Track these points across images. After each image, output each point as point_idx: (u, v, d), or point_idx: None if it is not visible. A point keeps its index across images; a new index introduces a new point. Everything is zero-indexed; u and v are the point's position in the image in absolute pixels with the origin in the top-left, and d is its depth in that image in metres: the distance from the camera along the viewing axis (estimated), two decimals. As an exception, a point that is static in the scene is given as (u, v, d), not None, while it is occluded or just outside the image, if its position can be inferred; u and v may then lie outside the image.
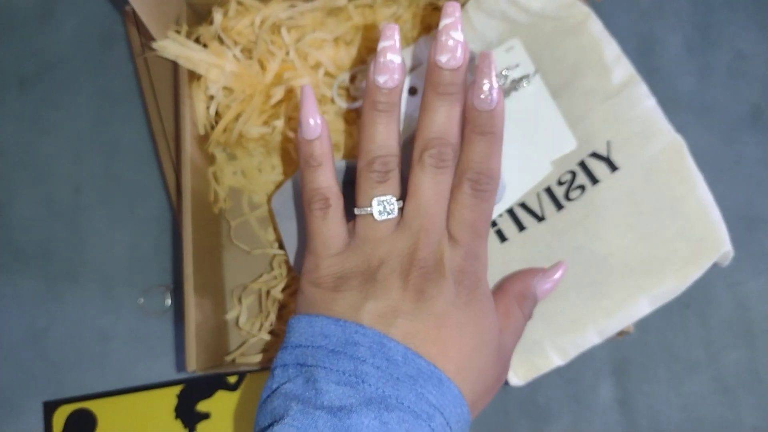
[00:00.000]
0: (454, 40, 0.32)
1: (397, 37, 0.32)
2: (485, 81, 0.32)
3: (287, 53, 0.43)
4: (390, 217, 0.33)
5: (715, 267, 0.41)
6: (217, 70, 0.42)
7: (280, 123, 0.43)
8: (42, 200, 0.51)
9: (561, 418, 0.49)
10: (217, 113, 0.44)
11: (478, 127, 0.32)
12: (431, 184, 0.32)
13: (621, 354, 0.50)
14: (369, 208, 0.33)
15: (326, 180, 0.34)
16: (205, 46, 0.43)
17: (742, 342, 0.50)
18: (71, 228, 0.50)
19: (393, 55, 0.32)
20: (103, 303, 0.49)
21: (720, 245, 0.40)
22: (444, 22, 0.32)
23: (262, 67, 0.43)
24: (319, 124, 0.34)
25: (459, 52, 0.32)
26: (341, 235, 0.33)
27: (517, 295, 0.38)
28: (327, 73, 0.45)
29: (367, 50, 0.45)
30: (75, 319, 0.49)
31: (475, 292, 0.32)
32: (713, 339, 0.50)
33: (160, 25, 0.41)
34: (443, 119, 0.32)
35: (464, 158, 0.33)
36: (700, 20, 0.54)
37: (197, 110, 0.43)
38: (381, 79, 0.32)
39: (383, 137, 0.33)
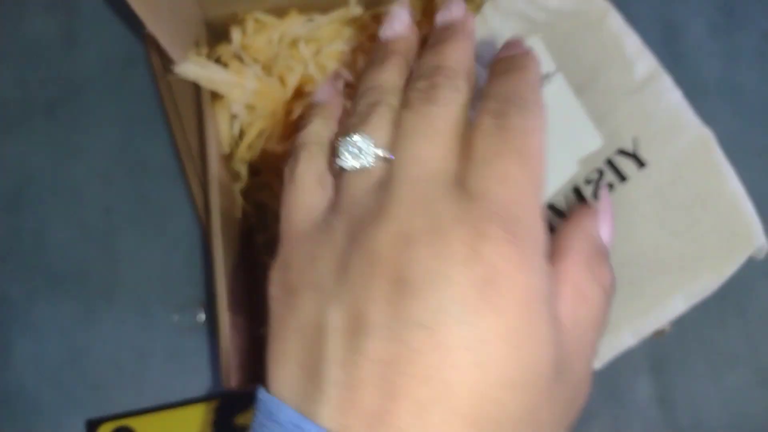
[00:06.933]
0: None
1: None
2: None
3: (306, 67, 0.43)
4: (365, 165, 0.24)
5: (750, 260, 0.40)
6: (238, 89, 0.42)
7: (302, 137, 0.43)
8: (74, 223, 0.52)
9: (600, 417, 0.48)
10: (240, 131, 0.44)
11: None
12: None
13: (658, 350, 0.49)
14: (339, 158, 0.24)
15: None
16: (225, 65, 0.43)
17: (783, 332, 0.49)
18: (104, 249, 0.51)
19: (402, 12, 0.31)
20: (139, 321, 0.50)
21: (754, 239, 0.39)
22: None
23: (283, 82, 0.43)
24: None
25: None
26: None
27: (588, 259, 0.24)
28: (347, 84, 0.45)
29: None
30: (112, 338, 0.50)
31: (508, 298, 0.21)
32: (752, 330, 0.49)
33: (179, 48, 0.41)
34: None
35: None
36: (723, 2, 0.53)
37: (221, 129, 0.43)
38: (388, 32, 0.30)
39: (386, 76, 0.28)
